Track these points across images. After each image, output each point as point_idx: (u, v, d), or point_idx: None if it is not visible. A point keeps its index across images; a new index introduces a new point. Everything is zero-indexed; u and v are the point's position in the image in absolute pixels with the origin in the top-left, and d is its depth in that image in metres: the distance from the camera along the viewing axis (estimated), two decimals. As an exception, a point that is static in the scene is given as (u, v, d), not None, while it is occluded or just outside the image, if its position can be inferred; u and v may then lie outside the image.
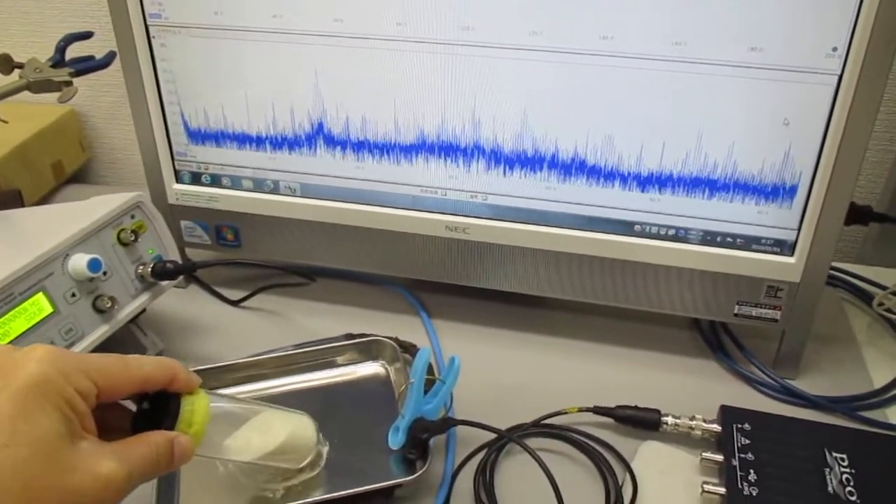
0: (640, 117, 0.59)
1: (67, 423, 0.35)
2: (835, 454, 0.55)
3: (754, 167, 0.58)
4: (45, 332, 0.54)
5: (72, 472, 0.34)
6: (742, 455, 0.54)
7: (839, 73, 0.53)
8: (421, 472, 0.52)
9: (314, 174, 0.69)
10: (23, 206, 0.83)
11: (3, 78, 0.71)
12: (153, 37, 0.66)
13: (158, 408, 0.41)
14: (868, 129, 0.54)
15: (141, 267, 0.62)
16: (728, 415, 0.58)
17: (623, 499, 0.54)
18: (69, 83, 0.71)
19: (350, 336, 0.68)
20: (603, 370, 0.68)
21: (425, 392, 0.55)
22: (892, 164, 0.83)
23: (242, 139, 0.69)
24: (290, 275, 0.72)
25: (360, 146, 0.66)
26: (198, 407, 0.42)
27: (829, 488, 0.52)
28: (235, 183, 0.71)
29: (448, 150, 0.64)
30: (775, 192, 0.59)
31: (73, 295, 0.56)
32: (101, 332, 0.58)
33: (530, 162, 0.63)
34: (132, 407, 0.42)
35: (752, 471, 0.53)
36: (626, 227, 0.64)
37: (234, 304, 0.76)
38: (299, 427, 0.52)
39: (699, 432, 0.58)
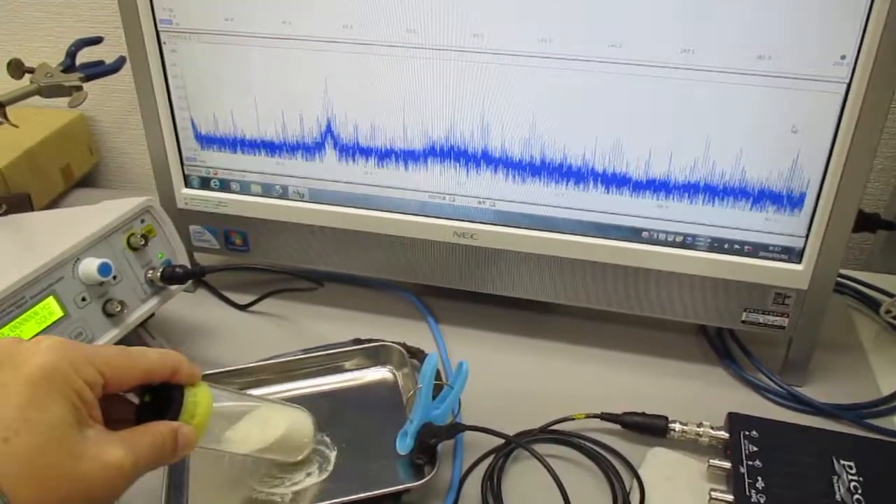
0: (649, 124, 0.59)
1: (76, 412, 0.35)
2: (842, 462, 0.55)
3: (762, 174, 0.58)
4: (55, 335, 0.54)
5: (81, 460, 0.35)
6: (750, 462, 0.54)
7: (848, 80, 0.53)
8: (429, 477, 0.53)
9: (323, 179, 0.69)
10: (32, 209, 0.83)
11: (14, 83, 0.71)
12: (164, 42, 0.66)
13: (162, 399, 0.42)
14: (876, 137, 0.54)
15: (150, 271, 0.62)
16: (736, 422, 0.58)
17: (630, 505, 0.54)
18: (79, 88, 0.72)
19: (358, 341, 0.68)
20: (610, 376, 0.68)
21: (433, 397, 0.56)
22: (899, 171, 0.83)
23: (251, 144, 0.69)
24: (298, 279, 0.72)
25: (369, 152, 0.66)
26: (200, 398, 0.43)
27: (837, 496, 0.52)
28: (244, 188, 0.72)
29: (457, 156, 0.64)
30: (783, 200, 0.59)
31: (84, 299, 0.57)
32: (111, 335, 0.59)
33: (538, 168, 0.63)
34: (135, 400, 0.42)
35: (759, 478, 0.53)
36: (633, 234, 0.64)
37: (243, 308, 0.76)
38: (297, 421, 0.53)
39: (706, 439, 0.58)
